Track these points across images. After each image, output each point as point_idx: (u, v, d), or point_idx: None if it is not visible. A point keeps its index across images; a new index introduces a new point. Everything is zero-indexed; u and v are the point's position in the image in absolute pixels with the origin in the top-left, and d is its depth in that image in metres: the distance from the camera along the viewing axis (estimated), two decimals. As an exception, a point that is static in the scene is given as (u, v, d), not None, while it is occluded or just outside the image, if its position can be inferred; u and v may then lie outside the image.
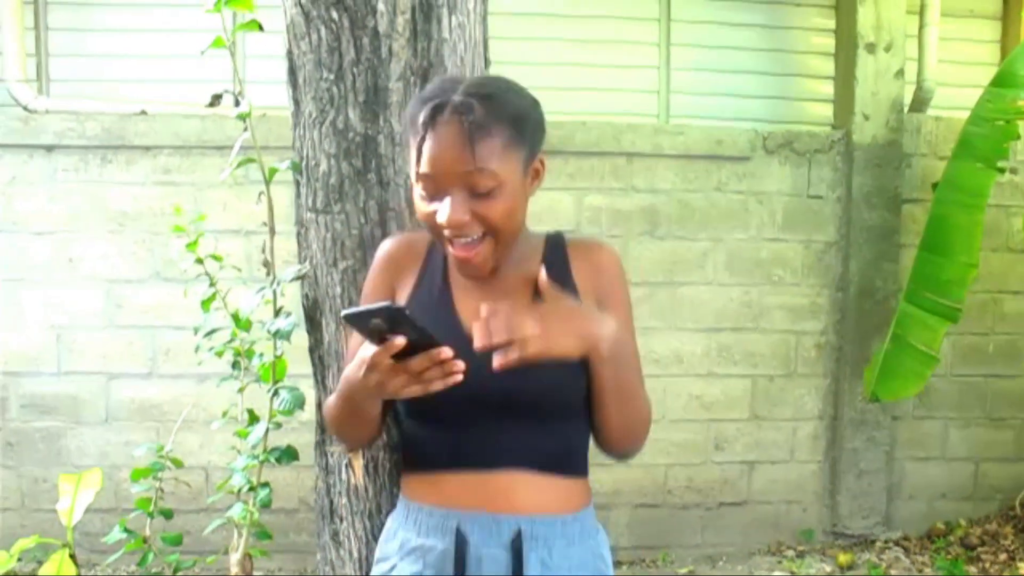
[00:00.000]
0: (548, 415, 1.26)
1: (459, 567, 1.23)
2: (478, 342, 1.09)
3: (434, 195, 1.20)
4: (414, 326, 1.06)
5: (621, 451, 1.32)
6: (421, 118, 1.19)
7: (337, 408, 1.30)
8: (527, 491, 1.26)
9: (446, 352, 1.08)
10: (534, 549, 1.23)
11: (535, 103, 1.27)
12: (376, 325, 1.06)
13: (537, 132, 1.26)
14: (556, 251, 1.34)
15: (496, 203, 1.19)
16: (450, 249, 1.24)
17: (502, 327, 1.08)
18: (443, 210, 1.18)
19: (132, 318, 3.75)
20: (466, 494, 1.25)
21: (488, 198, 1.19)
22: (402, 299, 1.34)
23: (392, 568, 1.30)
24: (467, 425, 1.24)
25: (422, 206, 1.23)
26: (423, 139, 1.18)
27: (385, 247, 1.41)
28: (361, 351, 1.13)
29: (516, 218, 1.25)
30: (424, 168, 1.18)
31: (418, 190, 1.23)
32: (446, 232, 1.21)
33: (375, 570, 1.35)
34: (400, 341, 1.06)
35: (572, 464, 1.31)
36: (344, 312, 1.08)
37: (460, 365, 1.09)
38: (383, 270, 1.38)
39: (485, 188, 1.18)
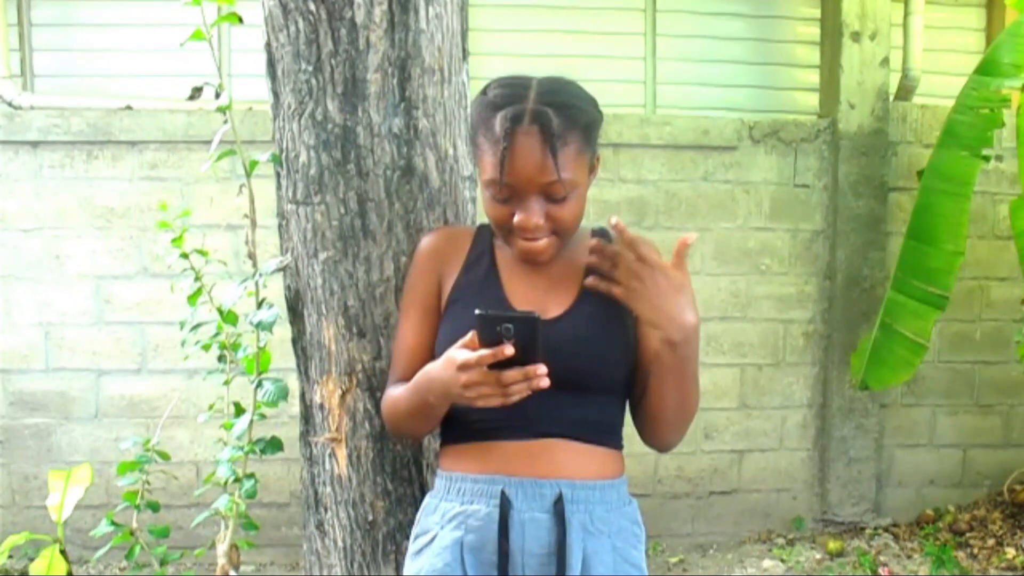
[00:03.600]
0: (590, 388, 1.31)
1: (503, 530, 1.26)
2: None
3: (507, 198, 1.26)
4: (535, 341, 1.10)
5: (667, 438, 1.36)
6: (499, 126, 1.23)
7: (405, 403, 1.32)
8: (568, 457, 1.30)
9: (541, 369, 1.11)
10: (575, 513, 1.27)
11: (596, 104, 1.33)
12: (504, 330, 1.09)
13: (599, 133, 1.33)
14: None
15: (568, 206, 1.28)
16: (515, 243, 1.30)
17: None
18: (521, 215, 1.26)
19: (121, 314, 3.75)
20: (510, 461, 1.29)
21: (561, 202, 1.27)
22: (448, 287, 1.39)
23: (433, 538, 1.32)
24: None
25: (494, 207, 1.29)
26: (505, 149, 1.22)
27: (428, 241, 1.45)
28: (452, 351, 1.17)
29: (581, 216, 1.33)
30: (505, 178, 1.24)
31: (490, 192, 1.28)
32: (517, 231, 1.27)
33: (414, 545, 1.37)
34: (509, 351, 1.09)
35: (609, 436, 1.35)
36: (479, 311, 1.10)
37: (545, 379, 1.12)
38: (427, 262, 1.43)
39: (561, 195, 1.26)
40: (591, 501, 1.29)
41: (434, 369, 1.22)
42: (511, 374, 1.11)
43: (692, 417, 1.33)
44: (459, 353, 1.15)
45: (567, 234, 1.32)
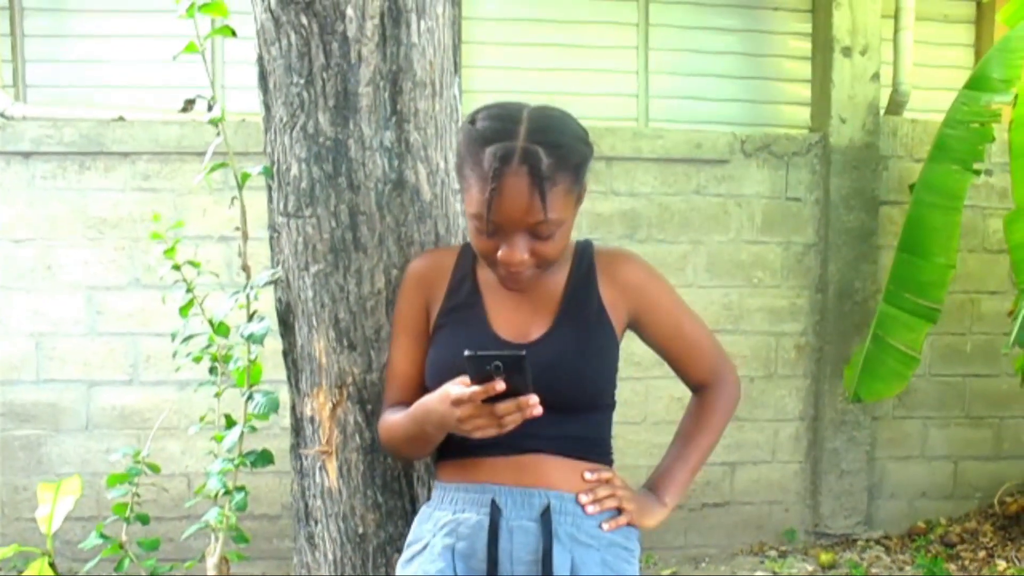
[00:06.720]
0: (573, 407, 1.34)
1: (492, 537, 1.30)
2: (592, 509, 1.32)
3: (493, 233, 1.26)
4: (524, 375, 1.12)
5: None
6: (487, 164, 1.21)
7: (403, 430, 1.35)
8: (555, 470, 1.34)
9: (532, 399, 1.13)
10: (562, 524, 1.31)
11: (587, 138, 1.31)
12: (494, 367, 1.11)
13: (589, 167, 1.31)
14: (584, 261, 1.41)
15: (554, 242, 1.28)
16: (498, 271, 1.31)
17: (610, 496, 1.34)
18: (505, 250, 1.26)
19: (113, 325, 3.74)
20: (500, 472, 1.33)
21: (548, 239, 1.27)
22: (434, 312, 1.41)
23: (426, 546, 1.36)
24: None
25: (479, 239, 1.29)
26: (493, 189, 1.20)
27: (413, 267, 1.47)
28: (447, 387, 1.18)
29: (565, 247, 1.33)
30: (492, 216, 1.22)
31: (475, 225, 1.28)
32: (501, 264, 1.28)
33: (406, 552, 1.39)
34: (500, 386, 1.11)
35: (595, 450, 1.40)
36: (468, 353, 1.12)
37: (538, 408, 1.14)
38: (414, 288, 1.44)
39: (547, 233, 1.26)
40: (579, 514, 1.33)
41: (431, 401, 1.24)
42: (504, 406, 1.14)
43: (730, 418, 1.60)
44: (454, 388, 1.17)
45: (550, 265, 1.33)
